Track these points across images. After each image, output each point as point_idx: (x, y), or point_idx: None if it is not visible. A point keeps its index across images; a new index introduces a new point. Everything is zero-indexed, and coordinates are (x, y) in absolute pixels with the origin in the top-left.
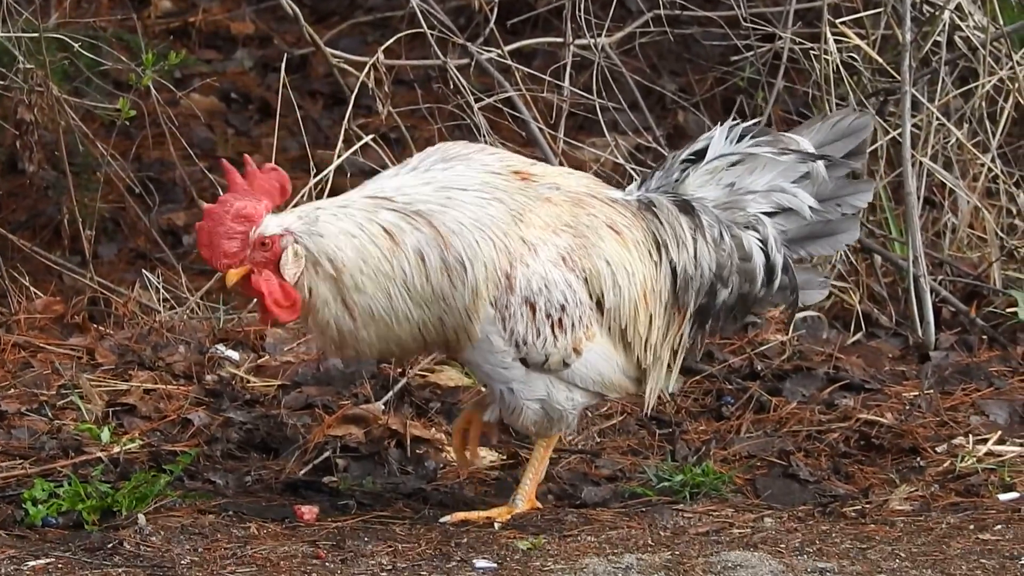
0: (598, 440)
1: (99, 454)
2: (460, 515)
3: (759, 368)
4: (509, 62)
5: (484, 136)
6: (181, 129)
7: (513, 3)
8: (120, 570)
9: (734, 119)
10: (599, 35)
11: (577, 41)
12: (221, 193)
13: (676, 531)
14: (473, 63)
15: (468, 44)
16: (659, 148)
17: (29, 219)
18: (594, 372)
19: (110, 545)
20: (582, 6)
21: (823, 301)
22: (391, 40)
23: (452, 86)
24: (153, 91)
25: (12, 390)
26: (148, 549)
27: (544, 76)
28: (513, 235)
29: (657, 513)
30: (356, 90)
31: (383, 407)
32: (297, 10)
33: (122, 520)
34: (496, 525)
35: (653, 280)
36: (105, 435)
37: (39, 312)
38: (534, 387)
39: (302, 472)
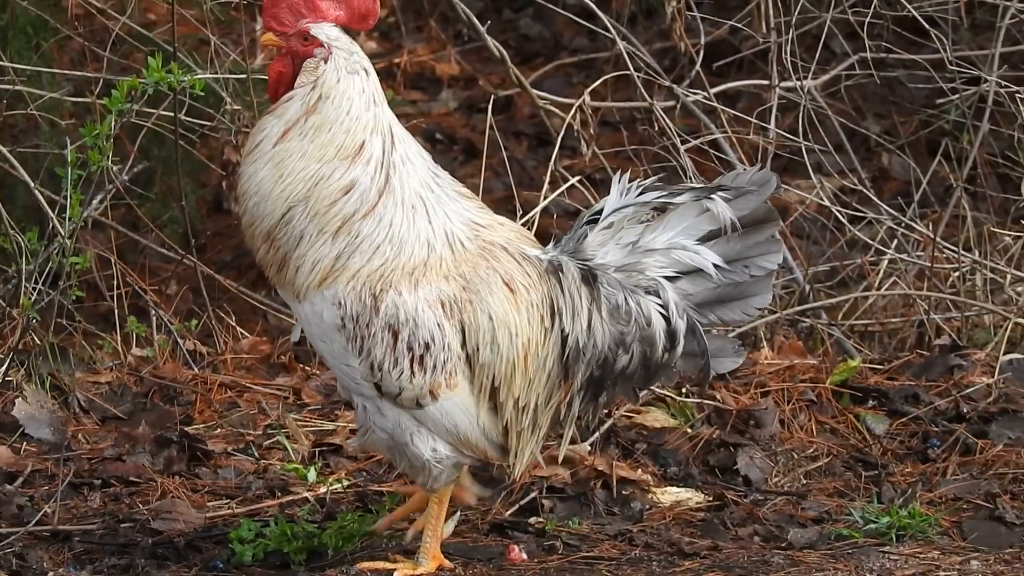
0: (804, 482)
1: (305, 494)
2: (367, 564)
3: (965, 411)
4: (715, 104)
5: (691, 177)
6: None
7: (718, 45)
8: None
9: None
10: (804, 77)
11: (783, 83)
12: None
13: (882, 573)
14: (679, 105)
15: (674, 86)
16: (864, 190)
17: (234, 259)
18: (449, 421)
19: None
20: (787, 49)
21: None
22: (597, 82)
23: (658, 128)
24: None
25: (219, 430)
26: None
27: (749, 118)
28: (402, 267)
29: (864, 555)
30: (562, 131)
31: (589, 448)
32: (503, 51)
33: (329, 560)
34: None
35: (539, 345)
36: (311, 475)
37: (246, 352)
38: (385, 415)
39: (508, 512)
